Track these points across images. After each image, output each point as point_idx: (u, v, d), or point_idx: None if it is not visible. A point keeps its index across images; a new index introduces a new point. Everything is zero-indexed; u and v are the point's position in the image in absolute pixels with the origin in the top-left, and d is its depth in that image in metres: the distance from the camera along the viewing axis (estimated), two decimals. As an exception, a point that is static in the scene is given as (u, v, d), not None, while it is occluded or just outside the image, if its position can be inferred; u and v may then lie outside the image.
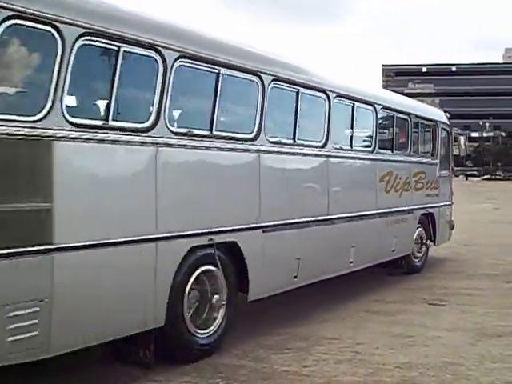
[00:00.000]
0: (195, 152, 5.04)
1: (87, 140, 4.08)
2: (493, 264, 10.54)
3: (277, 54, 6.21)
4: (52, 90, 3.84)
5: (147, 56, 4.61)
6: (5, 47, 3.59)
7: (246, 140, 5.67)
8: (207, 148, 5.17)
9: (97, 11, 4.23)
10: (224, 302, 5.32)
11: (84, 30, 4.05)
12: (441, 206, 10.61)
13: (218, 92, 5.27)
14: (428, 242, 10.19)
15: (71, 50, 3.94)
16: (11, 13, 3.60)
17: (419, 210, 9.68)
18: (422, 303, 7.50)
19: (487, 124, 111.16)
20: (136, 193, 4.46)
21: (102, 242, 4.12)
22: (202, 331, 5.14)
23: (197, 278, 5.07)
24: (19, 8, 3.65)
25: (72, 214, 3.91)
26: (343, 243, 7.23)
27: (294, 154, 6.40)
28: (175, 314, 4.79)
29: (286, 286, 6.24)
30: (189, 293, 4.98)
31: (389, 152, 8.75)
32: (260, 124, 5.80)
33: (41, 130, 3.76)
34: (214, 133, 5.23)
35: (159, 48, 4.67)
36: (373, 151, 8.24)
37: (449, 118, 11.38)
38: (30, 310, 3.68)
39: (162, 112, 4.67)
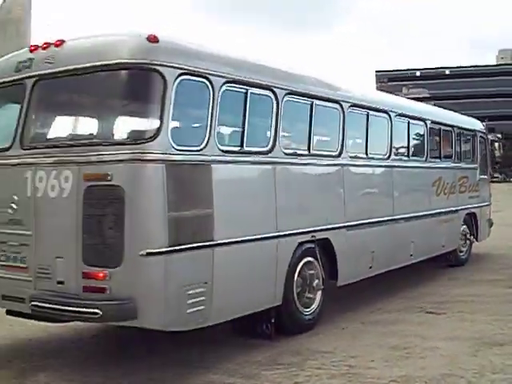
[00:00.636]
0: (299, 168, 6.46)
1: (231, 162, 5.49)
2: (495, 269, 10.46)
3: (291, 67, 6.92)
4: (208, 127, 5.24)
5: (265, 95, 6.01)
6: (180, 95, 4.95)
7: (333, 156, 7.08)
8: (307, 164, 6.58)
9: (234, 65, 5.64)
10: (321, 287, 6.68)
11: (225, 80, 5.45)
12: (481, 206, 11.90)
13: (313, 118, 6.66)
14: (472, 237, 11.46)
15: (218, 95, 5.34)
16: (181, 71, 4.99)
17: (464, 210, 10.99)
18: (419, 312, 7.32)
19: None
20: (262, 201, 5.89)
21: (243, 238, 5.51)
22: (306, 309, 6.52)
23: (301, 267, 6.43)
24: (186, 67, 5.04)
25: (225, 218, 5.28)
26: (405, 239, 8.57)
27: (366, 165, 7.80)
28: (288, 294, 6.19)
29: (364, 275, 7.67)
30: (296, 279, 6.34)
31: (438, 160, 10.08)
32: (342, 144, 7.20)
33: (203, 157, 5.16)
34: (312, 152, 6.64)
35: (274, 88, 6.08)
36: (425, 160, 9.59)
37: (485, 127, 12.69)
38: (199, 290, 5.06)
39: (277, 138, 6.08)
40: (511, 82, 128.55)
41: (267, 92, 6.01)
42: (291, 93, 6.32)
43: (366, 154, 7.84)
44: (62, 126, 5.68)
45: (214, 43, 5.77)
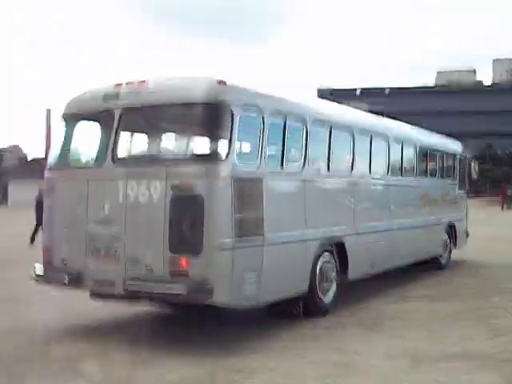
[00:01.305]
0: (321, 183, 8.06)
1: (275, 178, 7.05)
2: (429, 284, 10.80)
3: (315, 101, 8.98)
4: (260, 150, 6.78)
5: (298, 123, 7.58)
6: (241, 126, 6.47)
7: (346, 176, 8.70)
8: (327, 182, 8.18)
9: (275, 101, 7.23)
10: (336, 280, 8.25)
11: (270, 112, 6.99)
12: (460, 218, 13.63)
13: (332, 142, 8.27)
14: (451, 245, 13.18)
15: (267, 125, 6.89)
16: (242, 107, 6.52)
17: (445, 221, 12.68)
18: (356, 328, 7.45)
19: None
20: (296, 209, 7.44)
21: (284, 236, 7.04)
22: (324, 296, 8.06)
23: (322, 263, 7.97)
24: (245, 104, 6.59)
25: (270, 221, 6.82)
26: (398, 244, 10.21)
27: (371, 184, 9.48)
28: (312, 284, 7.73)
29: (367, 273, 9.22)
30: (318, 272, 7.90)
31: (425, 177, 11.77)
32: (352, 163, 8.82)
33: (257, 174, 6.71)
34: (330, 172, 8.24)
35: (305, 117, 7.66)
36: (415, 177, 11.27)
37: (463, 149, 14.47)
38: (253, 276, 6.57)
39: (307, 159, 7.65)
40: (451, 102, 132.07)
41: (300, 121, 7.60)
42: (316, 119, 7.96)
43: (370, 173, 9.48)
44: (148, 148, 7.27)
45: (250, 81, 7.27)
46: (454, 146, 14.09)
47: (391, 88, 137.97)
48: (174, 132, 7.51)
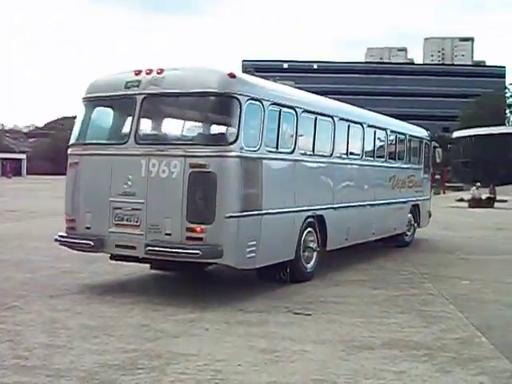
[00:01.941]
0: (310, 164, 9.43)
1: (271, 159, 8.38)
2: (364, 269, 11.03)
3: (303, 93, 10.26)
4: (260, 134, 8.09)
5: (289, 112, 8.90)
6: (247, 114, 7.74)
7: (327, 157, 10.08)
8: (312, 161, 9.54)
9: (274, 93, 8.54)
10: (317, 249, 9.65)
11: (270, 102, 8.30)
12: (424, 199, 15.23)
13: (317, 129, 9.64)
14: (415, 224, 14.76)
15: (266, 113, 8.20)
16: (248, 97, 7.82)
17: (410, 202, 14.25)
18: (287, 312, 7.39)
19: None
20: (288, 186, 8.79)
21: (277, 210, 8.40)
22: (307, 264, 9.46)
23: (306, 234, 9.36)
24: (251, 95, 7.87)
25: (268, 196, 8.16)
26: (370, 220, 11.68)
27: (347, 164, 10.89)
28: (298, 252, 9.12)
29: (342, 244, 10.73)
30: (303, 241, 9.27)
31: (393, 161, 13.26)
32: (333, 147, 10.21)
33: (258, 155, 8.02)
34: (316, 152, 9.60)
35: (296, 107, 8.99)
36: (385, 160, 12.75)
37: (429, 135, 16.03)
38: (253, 243, 7.92)
39: (297, 143, 8.99)
40: (380, 80, 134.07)
41: (291, 110, 8.93)
42: (306, 111, 9.28)
43: (347, 155, 10.88)
44: (167, 130, 8.52)
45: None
46: (421, 132, 15.61)
47: (320, 62, 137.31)
48: (189, 117, 8.76)
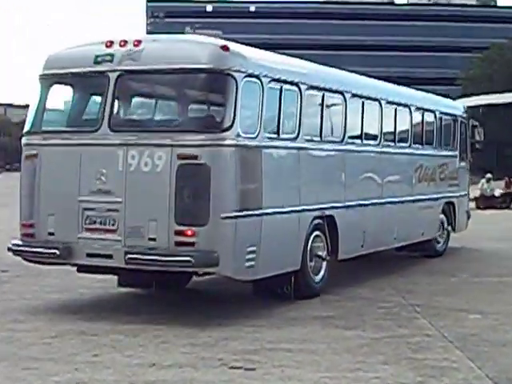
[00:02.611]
0: (317, 152, 11.29)
1: (272, 147, 10.20)
2: (326, 299, 11.25)
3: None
4: (259, 118, 9.89)
5: (292, 90, 10.72)
6: (244, 94, 9.51)
7: (336, 142, 11.96)
8: (319, 149, 11.40)
9: (275, 67, 10.36)
10: (327, 258, 11.50)
11: (270, 79, 10.12)
12: (460, 195, 17.23)
13: (324, 108, 11.52)
14: (449, 228, 16.74)
15: (265, 92, 10.00)
16: (245, 74, 9.62)
17: (443, 199, 16.21)
18: (220, 367, 7.42)
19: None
20: (291, 180, 10.63)
21: (280, 209, 10.23)
22: (315, 276, 11.30)
23: (313, 238, 11.20)
24: (248, 71, 9.66)
25: (268, 192, 9.97)
26: (390, 222, 13.61)
27: (363, 151, 12.77)
28: (304, 261, 10.94)
29: (357, 251, 12.62)
30: (309, 248, 11.11)
31: (420, 146, 15.19)
32: (344, 130, 12.10)
33: (257, 142, 9.83)
34: (324, 138, 11.46)
35: (299, 83, 10.82)
36: (409, 146, 14.68)
37: (466, 111, 18.00)
38: (253, 249, 9.71)
39: (301, 127, 10.83)
40: (345, 28, 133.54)
41: (294, 87, 10.75)
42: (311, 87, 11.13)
43: (361, 141, 12.76)
44: (149, 115, 10.29)
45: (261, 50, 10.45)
46: (455, 108, 17.62)
47: (259, 3, 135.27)
48: (175, 99, 10.58)
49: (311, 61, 12.37)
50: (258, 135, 9.88)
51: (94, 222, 9.74)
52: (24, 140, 10.43)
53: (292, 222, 10.68)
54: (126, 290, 11.31)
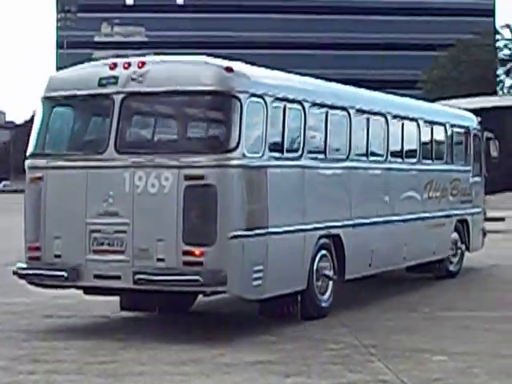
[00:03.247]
0: (322, 171, 13.04)
1: (277, 166, 11.95)
2: (263, 341, 11.54)
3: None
4: (264, 137, 11.63)
5: (296, 108, 12.47)
6: (249, 114, 11.23)
7: (341, 160, 13.73)
8: (324, 167, 13.16)
9: (276, 86, 12.12)
10: (334, 277, 13.22)
11: (273, 98, 11.87)
12: (474, 212, 18.99)
13: (328, 125, 13.29)
14: (463, 246, 18.49)
15: (269, 111, 11.75)
16: (249, 94, 11.32)
17: (455, 216, 17.98)
18: None
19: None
20: (296, 198, 12.37)
21: (285, 229, 11.95)
22: (321, 296, 13.02)
23: (319, 258, 12.93)
24: (252, 91, 11.37)
25: (274, 211, 11.69)
26: (399, 241, 15.37)
27: (368, 168, 14.53)
28: (310, 280, 12.65)
29: (365, 271, 14.36)
30: (316, 267, 12.83)
31: (430, 161, 16.96)
32: (349, 147, 13.85)
33: (262, 162, 11.55)
34: (328, 155, 13.21)
35: (303, 101, 12.58)
36: (418, 161, 16.45)
37: (480, 123, 19.77)
38: (260, 268, 11.42)
39: (305, 145, 12.57)
40: (296, 24, 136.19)
41: (298, 105, 12.50)
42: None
43: (367, 157, 14.51)
44: (155, 136, 12.05)
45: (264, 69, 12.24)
46: (467, 119, 19.41)
47: None
48: (181, 120, 12.26)
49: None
50: (262, 155, 11.59)
51: (102, 244, 11.45)
52: (28, 162, 12.13)
53: (298, 242, 12.38)
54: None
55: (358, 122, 14.28)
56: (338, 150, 13.80)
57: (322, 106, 13.22)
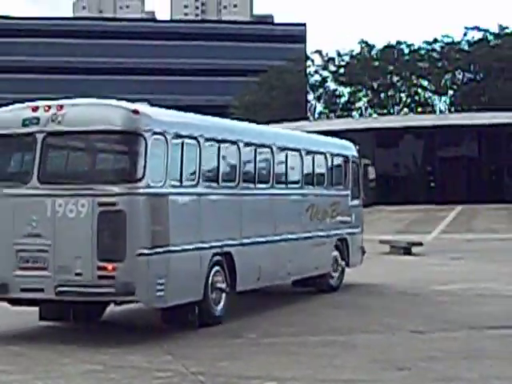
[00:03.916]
0: (215, 197, 15.38)
1: (176, 193, 14.24)
2: (87, 371, 11.77)
3: None
4: (165, 168, 13.87)
5: (192, 143, 14.79)
6: (152, 149, 13.47)
7: (231, 187, 16.10)
8: (217, 194, 15.50)
9: (176, 125, 14.43)
10: (226, 290, 15.53)
11: (172, 135, 14.15)
12: (353, 232, 21.54)
13: (220, 157, 15.65)
14: (343, 263, 20.98)
15: (170, 146, 14.02)
16: (152, 132, 13.58)
17: (335, 236, 20.50)
18: None
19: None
20: (193, 221, 14.67)
21: (184, 247, 14.23)
22: (216, 306, 15.30)
23: (214, 273, 15.23)
24: (155, 130, 13.66)
25: (174, 232, 13.97)
26: (283, 258, 17.78)
27: (255, 194, 16.91)
28: (206, 292, 14.93)
29: (254, 284, 16.70)
30: (211, 281, 15.13)
31: (311, 187, 19.42)
32: (238, 175, 16.20)
33: (163, 190, 13.80)
34: (220, 183, 15.56)
35: (198, 137, 14.89)
36: (300, 187, 18.90)
37: (358, 151, 22.33)
38: (162, 281, 13.65)
39: (201, 174, 14.89)
40: (98, 48, 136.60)
41: (194, 141, 14.80)
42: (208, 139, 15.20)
43: (255, 184, 16.87)
44: (72, 169, 14.21)
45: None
46: (346, 148, 21.94)
47: None
48: (94, 155, 14.45)
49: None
50: (164, 184, 13.80)
51: (27, 261, 13.56)
52: None
53: (195, 258, 14.62)
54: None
55: (247, 154, 16.56)
56: (229, 178, 16.06)
57: (214, 140, 15.49)
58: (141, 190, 13.33)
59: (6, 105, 14.70)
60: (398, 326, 15.66)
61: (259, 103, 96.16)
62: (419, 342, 14.16)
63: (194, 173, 14.86)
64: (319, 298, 19.66)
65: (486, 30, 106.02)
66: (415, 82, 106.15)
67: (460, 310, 17.87)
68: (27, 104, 14.14)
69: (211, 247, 15.15)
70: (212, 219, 15.28)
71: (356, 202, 22.18)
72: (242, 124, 17.76)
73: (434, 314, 17.20)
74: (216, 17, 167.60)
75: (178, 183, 14.30)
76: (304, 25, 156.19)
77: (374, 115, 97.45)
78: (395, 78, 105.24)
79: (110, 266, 13.12)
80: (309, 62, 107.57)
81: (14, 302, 14.24)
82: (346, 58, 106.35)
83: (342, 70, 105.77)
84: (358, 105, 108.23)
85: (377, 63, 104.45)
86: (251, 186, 16.88)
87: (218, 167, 15.65)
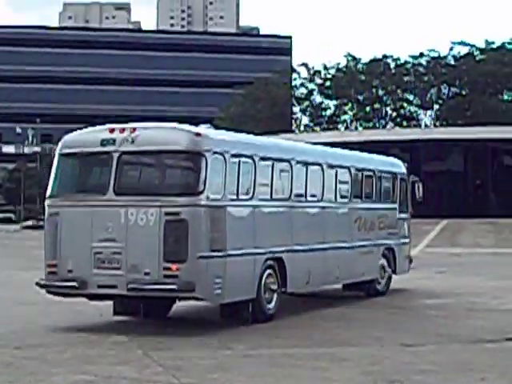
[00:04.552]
0: (268, 209, 17.69)
1: (233, 206, 16.54)
2: None
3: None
4: (223, 183, 16.18)
5: (248, 162, 17.09)
6: (212, 166, 15.76)
7: (284, 200, 18.39)
8: (270, 206, 17.80)
9: (233, 145, 16.78)
10: (278, 290, 17.79)
11: (230, 154, 16.47)
12: (400, 242, 23.71)
13: (274, 174, 17.94)
14: (390, 270, 23.12)
15: (227, 164, 16.34)
16: (212, 152, 15.90)
17: (382, 245, 22.67)
18: None
19: (31, 132, 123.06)
20: (248, 230, 16.97)
21: (239, 252, 16.52)
22: (268, 304, 17.56)
23: (266, 275, 17.50)
24: (215, 150, 16.04)
25: (231, 238, 16.27)
26: (332, 263, 20.01)
27: (307, 207, 19.21)
28: (259, 292, 17.18)
29: (304, 287, 19.02)
30: (264, 282, 17.38)
31: (359, 201, 21.63)
32: (291, 190, 18.48)
33: (222, 202, 16.09)
34: (274, 197, 17.85)
35: (253, 156, 17.21)
36: (349, 201, 21.13)
37: (407, 168, 24.46)
38: (220, 280, 15.95)
39: (255, 189, 17.16)
40: (82, 58, 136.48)
41: (249, 159, 17.09)
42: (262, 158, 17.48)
43: (305, 198, 19.10)
44: (143, 183, 16.66)
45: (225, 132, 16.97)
46: (395, 166, 24.09)
47: None
48: (162, 171, 16.78)
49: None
50: (222, 197, 16.05)
51: (103, 262, 15.90)
52: (48, 202, 16.64)
53: (249, 261, 16.83)
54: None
55: (299, 171, 18.76)
56: (281, 192, 18.27)
57: (268, 159, 17.72)
58: (201, 202, 15.57)
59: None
60: (387, 339, 16.03)
61: (244, 115, 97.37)
62: (410, 355, 14.40)
63: (250, 187, 17.01)
64: (308, 310, 19.92)
65: (472, 45, 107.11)
66: (401, 95, 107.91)
67: (449, 323, 18.45)
68: (105, 126, 16.54)
69: (264, 253, 17.30)
70: (265, 228, 17.48)
71: (404, 215, 24.35)
72: (294, 144, 19.96)
73: (423, 328, 17.68)
74: (202, 28, 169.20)
75: (234, 196, 16.48)
76: (290, 37, 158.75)
77: (360, 129, 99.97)
78: (381, 92, 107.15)
79: (174, 267, 15.36)
80: (295, 75, 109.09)
81: (92, 297, 16.57)
82: (332, 71, 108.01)
83: (328, 83, 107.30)
84: (343, 118, 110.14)
85: (363, 77, 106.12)
86: (302, 199, 19.07)
87: (272, 183, 17.81)
